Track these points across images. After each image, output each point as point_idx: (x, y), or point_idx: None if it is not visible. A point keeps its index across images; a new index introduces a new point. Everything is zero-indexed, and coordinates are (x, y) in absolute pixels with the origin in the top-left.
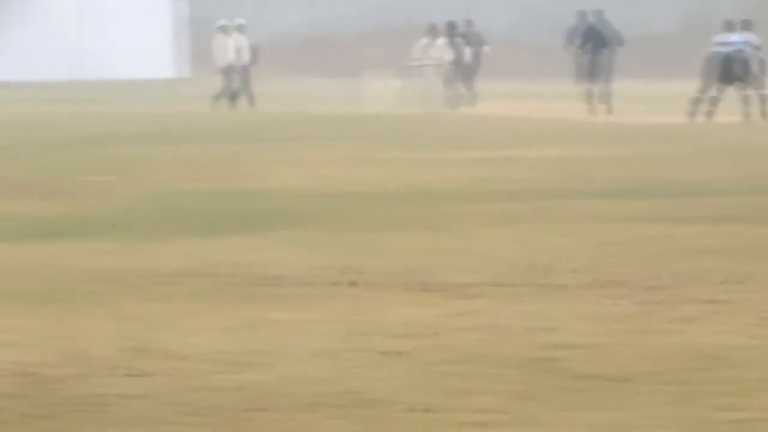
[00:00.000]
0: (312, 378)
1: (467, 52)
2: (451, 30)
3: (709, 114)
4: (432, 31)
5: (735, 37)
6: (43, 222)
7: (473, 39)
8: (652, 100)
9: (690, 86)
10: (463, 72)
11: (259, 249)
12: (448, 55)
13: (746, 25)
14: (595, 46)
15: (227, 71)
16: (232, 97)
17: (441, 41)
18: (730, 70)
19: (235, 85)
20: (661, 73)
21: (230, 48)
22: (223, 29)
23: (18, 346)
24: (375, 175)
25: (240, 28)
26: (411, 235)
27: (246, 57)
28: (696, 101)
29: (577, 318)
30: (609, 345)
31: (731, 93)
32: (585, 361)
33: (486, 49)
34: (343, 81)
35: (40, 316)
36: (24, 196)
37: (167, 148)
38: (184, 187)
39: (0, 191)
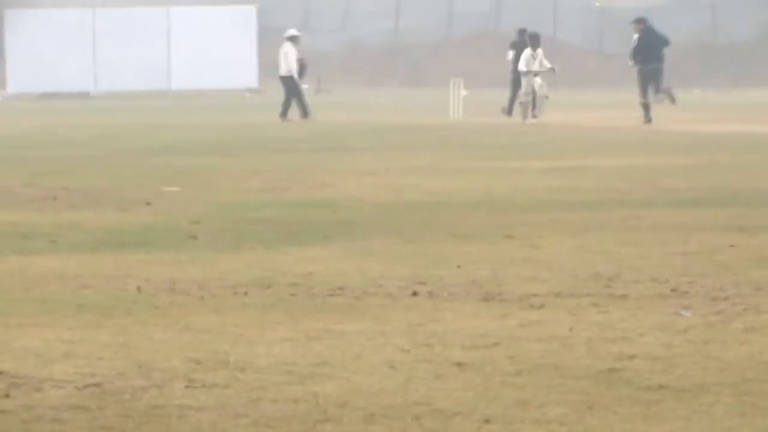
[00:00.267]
0: (374, 389)
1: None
2: (536, 41)
3: None
4: (532, 42)
5: None
6: (111, 233)
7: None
8: (724, 108)
9: (762, 94)
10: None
11: (327, 259)
12: (549, 64)
13: None
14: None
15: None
16: (302, 107)
17: (539, 51)
18: None
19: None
20: (735, 82)
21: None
22: (293, 39)
23: (83, 358)
24: (447, 184)
25: (293, 39)
26: (477, 245)
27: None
28: None
29: (641, 328)
30: (673, 356)
31: None
32: (649, 372)
33: None
34: (424, 90)
35: (107, 327)
36: (93, 206)
37: (239, 157)
38: (256, 197)
39: (70, 202)
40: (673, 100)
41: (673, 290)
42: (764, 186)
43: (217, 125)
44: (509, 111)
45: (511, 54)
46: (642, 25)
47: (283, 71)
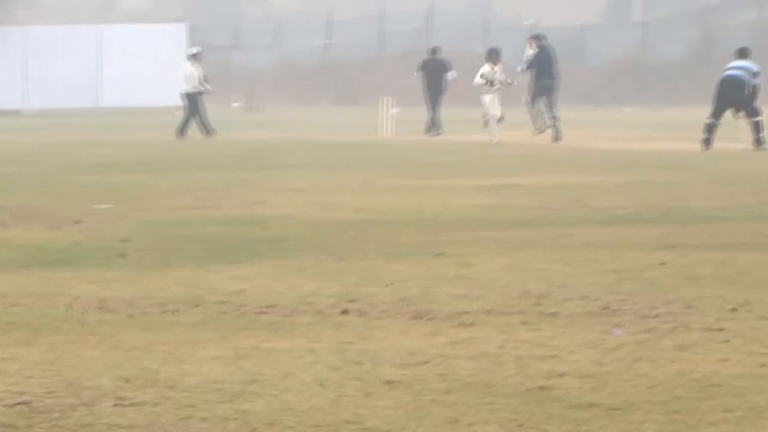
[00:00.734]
0: (304, 407)
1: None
2: (496, 56)
3: (706, 140)
4: (492, 57)
5: (733, 63)
6: (41, 250)
7: (439, 66)
8: (655, 126)
9: (692, 113)
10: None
11: (257, 277)
12: (507, 79)
13: (743, 53)
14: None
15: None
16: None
17: (498, 67)
18: (726, 95)
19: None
20: (666, 101)
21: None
22: (195, 57)
23: (12, 376)
24: (377, 202)
25: (195, 57)
26: (408, 262)
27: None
28: (708, 127)
29: (571, 346)
30: (603, 374)
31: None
32: (579, 390)
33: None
34: (355, 107)
35: (36, 345)
36: (22, 224)
37: (169, 175)
38: (186, 214)
39: (0, 219)
40: (539, 128)
41: (603, 308)
42: (695, 204)
43: (148, 143)
44: (431, 129)
45: (418, 74)
46: (540, 42)
47: (184, 89)
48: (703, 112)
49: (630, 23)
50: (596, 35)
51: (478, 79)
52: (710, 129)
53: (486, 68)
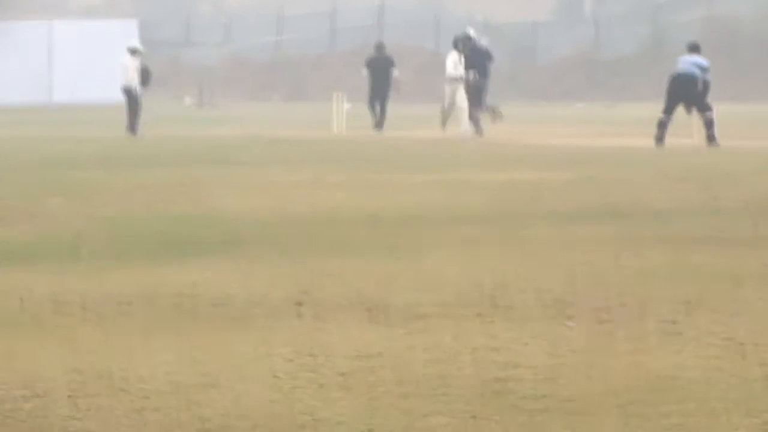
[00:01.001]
0: (258, 401)
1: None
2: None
3: (659, 136)
4: (461, 45)
5: (685, 58)
6: None
7: (385, 63)
8: (607, 122)
9: (644, 109)
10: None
11: (211, 273)
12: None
13: (694, 48)
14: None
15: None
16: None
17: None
18: (678, 91)
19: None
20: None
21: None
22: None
23: None
24: (330, 198)
25: (134, 52)
26: (361, 259)
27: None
28: (661, 123)
29: (525, 339)
30: (557, 366)
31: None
32: (533, 382)
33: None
34: (307, 104)
35: None
36: None
37: (123, 171)
38: (140, 211)
39: None
40: (495, 117)
41: (557, 301)
42: (647, 200)
43: (100, 139)
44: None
45: (365, 71)
46: (469, 42)
47: (123, 83)
48: (655, 109)
49: (581, 20)
50: (548, 32)
51: (451, 70)
52: (663, 125)
53: (454, 56)
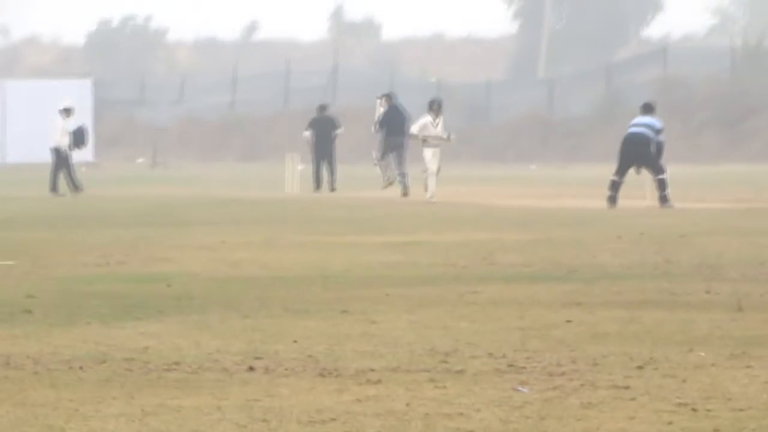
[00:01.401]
0: None
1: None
2: (438, 108)
3: (612, 198)
4: (435, 108)
5: (638, 119)
6: None
7: (328, 123)
8: (559, 183)
9: (597, 170)
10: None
11: (163, 334)
12: (445, 134)
13: (648, 109)
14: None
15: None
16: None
17: (440, 119)
18: (631, 153)
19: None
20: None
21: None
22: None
23: None
24: (283, 259)
25: (65, 112)
26: (313, 319)
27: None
28: (613, 184)
29: (478, 404)
30: (510, 431)
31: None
32: None
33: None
34: (261, 164)
35: None
36: None
37: (75, 231)
38: (91, 271)
39: None
40: (387, 184)
41: (510, 365)
42: (601, 261)
43: (53, 199)
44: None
45: (307, 134)
46: (389, 101)
47: (51, 144)
48: (608, 169)
49: (535, 80)
50: (501, 92)
51: (414, 130)
52: (615, 186)
53: (427, 119)
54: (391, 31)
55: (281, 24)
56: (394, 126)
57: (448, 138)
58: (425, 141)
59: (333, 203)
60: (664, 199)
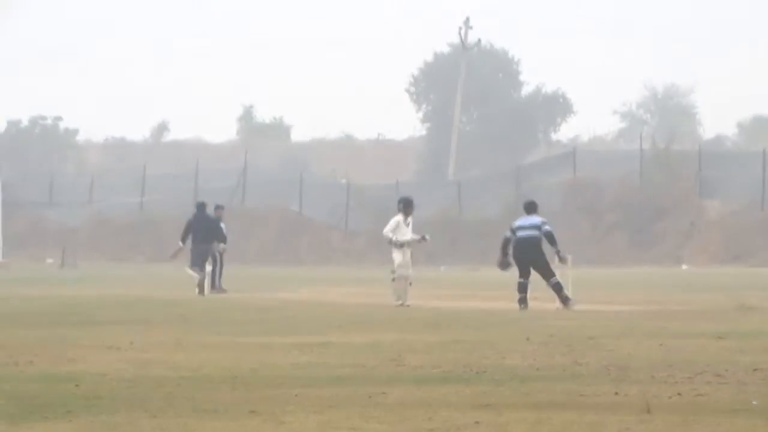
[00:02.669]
0: None
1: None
2: (409, 207)
3: (522, 299)
4: (405, 207)
5: (522, 222)
6: None
7: (209, 222)
8: (469, 284)
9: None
10: None
11: None
12: (416, 235)
13: (531, 208)
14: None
15: None
16: None
17: (410, 219)
18: (524, 257)
19: None
20: (480, 259)
21: None
22: None
23: None
24: (192, 359)
25: None
26: (222, 420)
27: None
28: (521, 286)
29: None
30: None
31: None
32: None
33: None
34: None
35: None
36: None
37: None
38: None
39: None
40: (201, 290)
41: None
42: (509, 362)
43: None
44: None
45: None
46: (202, 210)
47: None
48: (517, 272)
49: (444, 182)
50: (411, 193)
51: (388, 233)
52: (523, 288)
53: (399, 218)
54: (301, 133)
55: (191, 125)
56: (199, 234)
57: (423, 238)
58: (398, 243)
59: (243, 304)
60: (564, 300)
